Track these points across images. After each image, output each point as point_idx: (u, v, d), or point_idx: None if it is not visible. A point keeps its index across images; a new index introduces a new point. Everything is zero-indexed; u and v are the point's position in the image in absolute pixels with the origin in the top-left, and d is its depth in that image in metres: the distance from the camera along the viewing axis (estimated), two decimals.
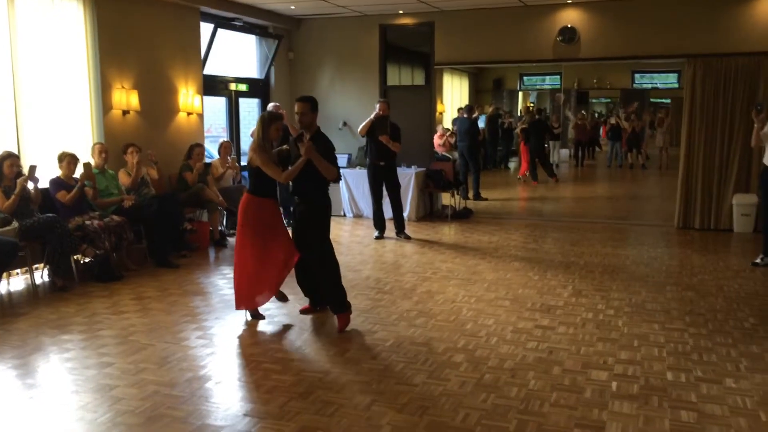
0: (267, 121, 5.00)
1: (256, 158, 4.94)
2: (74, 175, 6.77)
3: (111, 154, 7.31)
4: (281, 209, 9.42)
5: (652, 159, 18.02)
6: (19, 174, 6.22)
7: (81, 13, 7.30)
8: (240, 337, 4.92)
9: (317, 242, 5.07)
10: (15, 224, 6.04)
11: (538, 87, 20.23)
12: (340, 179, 5.31)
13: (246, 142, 11.04)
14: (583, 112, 18.84)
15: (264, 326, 5.14)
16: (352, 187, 10.20)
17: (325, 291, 5.13)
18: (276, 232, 5.11)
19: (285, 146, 5.30)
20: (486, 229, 9.37)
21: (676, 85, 17.90)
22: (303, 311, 5.44)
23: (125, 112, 7.83)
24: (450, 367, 4.27)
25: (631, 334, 4.90)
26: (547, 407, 3.66)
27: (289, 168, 5.03)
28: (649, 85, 18.73)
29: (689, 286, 6.25)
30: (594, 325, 5.10)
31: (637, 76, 18.48)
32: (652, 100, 19.73)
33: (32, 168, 6.17)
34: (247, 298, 5.15)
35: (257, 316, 5.28)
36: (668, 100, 19.84)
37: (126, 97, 7.74)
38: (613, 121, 17.83)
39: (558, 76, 17.94)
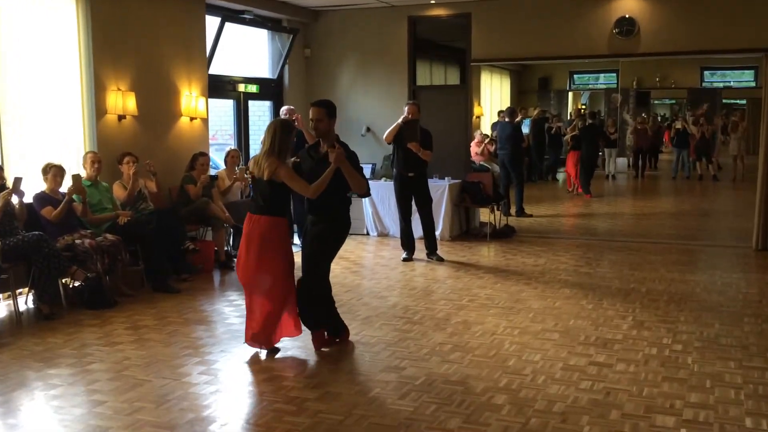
0: (287, 128, 5.03)
1: (281, 172, 4.93)
2: (61, 189, 6.88)
3: (105, 164, 7.43)
4: (294, 227, 9.53)
5: (724, 169, 17.78)
6: (3, 187, 6.35)
7: (73, 7, 7.47)
8: (248, 373, 4.93)
9: (321, 257, 5.15)
10: None
11: (591, 86, 20.11)
12: (370, 194, 5.38)
13: (258, 151, 11.15)
14: (643, 115, 18.69)
15: (276, 361, 5.14)
16: (377, 201, 10.22)
17: (311, 306, 5.23)
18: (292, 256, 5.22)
19: (295, 158, 5.33)
20: (531, 250, 9.31)
21: (753, 84, 17.67)
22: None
23: (121, 117, 7.96)
24: (490, 409, 4.23)
25: (703, 373, 4.82)
26: None
27: (305, 182, 5.06)
28: (721, 84, 18.53)
29: None
30: (658, 363, 5.03)
31: (706, 73, 18.29)
32: (724, 101, 19.50)
33: (17, 180, 6.29)
34: (271, 334, 5.17)
35: (272, 350, 5.28)
36: (743, 101, 19.59)
37: (122, 101, 7.88)
38: (678, 125, 17.65)
39: (614, 74, 17.84)
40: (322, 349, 5.31)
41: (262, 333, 5.15)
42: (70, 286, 6.76)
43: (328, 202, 5.11)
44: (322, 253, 5.19)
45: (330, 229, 5.17)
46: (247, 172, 5.26)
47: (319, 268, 5.20)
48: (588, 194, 14.45)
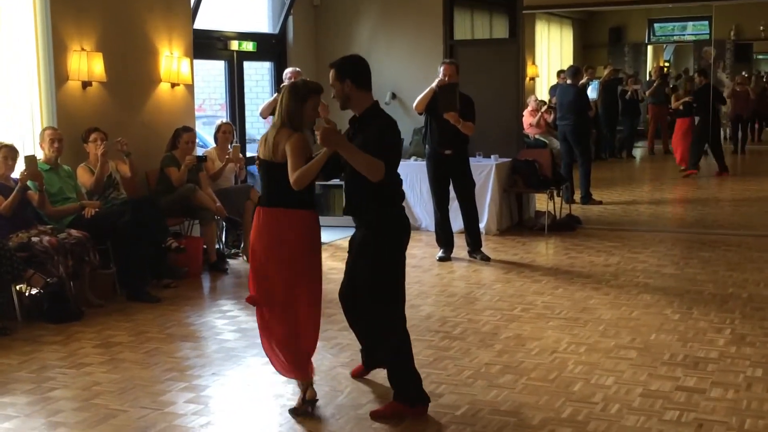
0: (296, 92, 4.79)
1: (288, 143, 4.65)
2: (13, 174, 6.94)
3: (66, 143, 7.48)
4: None
5: None
6: None
7: None
8: (246, 402, 4.96)
9: (374, 280, 4.73)
10: None
11: (676, 38, 19.89)
12: (395, 183, 4.88)
13: (256, 124, 11.19)
14: (744, 73, 18.45)
15: (281, 386, 5.17)
16: (405, 186, 10.14)
17: (390, 369, 4.82)
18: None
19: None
20: (601, 246, 9.27)
21: None
22: (356, 374, 5.31)
23: (86, 85, 8.02)
24: None
25: None
26: None
27: (303, 164, 4.63)
28: None
29: None
30: (765, 387, 5.00)
31: None
32: None
33: None
34: (305, 364, 4.85)
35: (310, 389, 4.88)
36: None
37: (87, 64, 7.93)
38: None
39: (706, 23, 17.62)
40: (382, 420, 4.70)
41: (291, 362, 4.81)
42: (27, 294, 6.84)
43: (358, 196, 4.79)
44: (372, 274, 4.74)
45: (371, 236, 4.78)
46: (256, 158, 5.02)
47: (377, 297, 4.74)
48: (695, 170, 14.37)
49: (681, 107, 14.80)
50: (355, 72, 4.81)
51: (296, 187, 4.61)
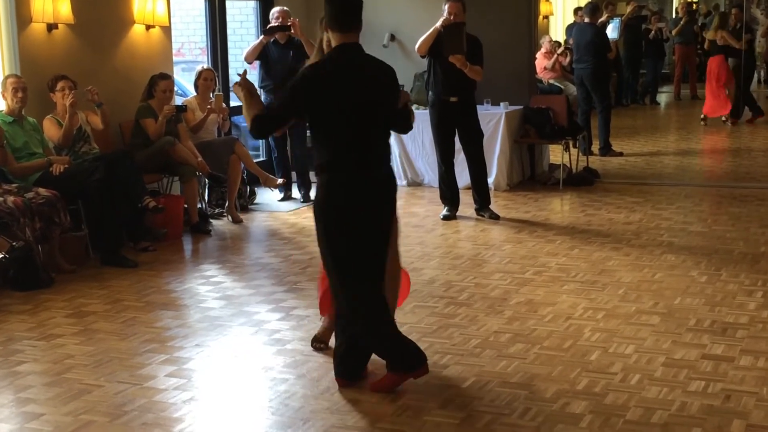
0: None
1: None
2: None
3: (31, 92, 7.45)
4: (294, 175, 9.55)
5: None
6: None
7: None
8: (233, 375, 4.99)
9: (326, 265, 4.75)
10: None
11: None
12: (264, 136, 4.80)
13: (240, 70, 11.13)
14: None
15: (270, 357, 5.20)
16: (405, 138, 10.19)
17: (371, 346, 4.83)
18: None
19: None
20: (621, 201, 9.27)
21: None
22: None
23: (51, 27, 7.96)
24: (565, 421, 4.25)
25: None
26: None
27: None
28: None
29: None
30: None
31: None
32: None
33: None
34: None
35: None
36: None
37: (52, 3, 7.86)
38: None
39: None
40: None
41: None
42: None
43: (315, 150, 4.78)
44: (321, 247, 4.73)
45: (314, 202, 4.74)
46: None
47: (328, 273, 4.75)
48: (761, 114, 14.49)
49: (746, 47, 14.73)
50: (326, 10, 4.64)
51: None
